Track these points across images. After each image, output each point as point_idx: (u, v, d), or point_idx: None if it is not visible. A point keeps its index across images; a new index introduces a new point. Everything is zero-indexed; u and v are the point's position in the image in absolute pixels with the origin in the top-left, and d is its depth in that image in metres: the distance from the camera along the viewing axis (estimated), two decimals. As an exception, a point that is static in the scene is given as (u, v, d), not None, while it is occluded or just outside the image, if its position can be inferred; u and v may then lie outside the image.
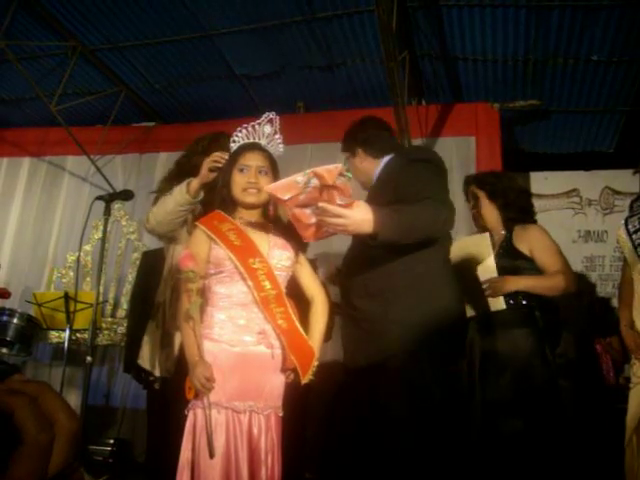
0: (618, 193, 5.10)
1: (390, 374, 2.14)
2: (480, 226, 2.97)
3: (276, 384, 2.11)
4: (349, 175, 1.87)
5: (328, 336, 2.45)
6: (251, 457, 2.00)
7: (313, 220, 1.93)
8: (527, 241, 2.79)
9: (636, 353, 2.47)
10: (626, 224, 2.49)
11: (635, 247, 2.36)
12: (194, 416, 2.01)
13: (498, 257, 2.75)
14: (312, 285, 2.28)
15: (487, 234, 2.80)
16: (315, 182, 1.83)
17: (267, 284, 2.11)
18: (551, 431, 2.54)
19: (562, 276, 2.70)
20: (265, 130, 2.26)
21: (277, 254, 2.17)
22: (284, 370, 2.12)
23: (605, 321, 4.49)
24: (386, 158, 2.47)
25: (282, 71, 4.79)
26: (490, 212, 2.91)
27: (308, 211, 1.92)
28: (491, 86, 4.73)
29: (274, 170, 2.24)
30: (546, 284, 2.72)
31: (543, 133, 5.28)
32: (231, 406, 2.01)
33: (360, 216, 1.91)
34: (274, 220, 2.26)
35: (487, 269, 2.73)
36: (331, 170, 1.81)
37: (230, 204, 2.22)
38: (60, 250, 5.39)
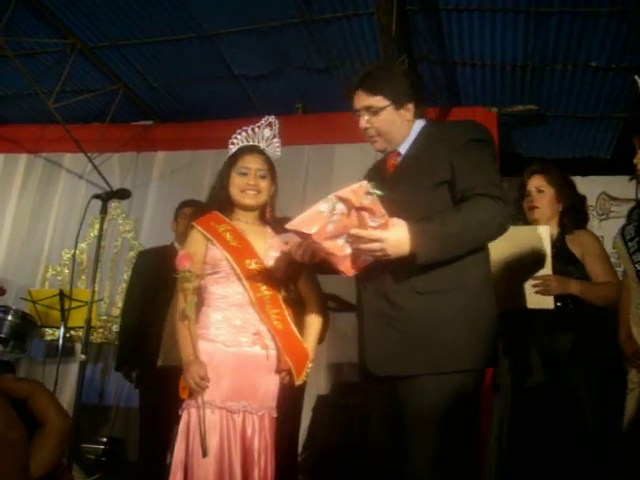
0: (614, 199, 5.09)
1: (447, 396, 1.77)
2: (531, 220, 2.82)
3: (270, 385, 2.12)
4: (377, 192, 1.63)
5: (321, 338, 2.45)
6: (244, 457, 2.01)
7: (348, 251, 1.73)
8: (580, 246, 2.72)
9: (632, 362, 2.46)
10: (622, 232, 2.48)
11: (630, 255, 2.35)
12: (188, 416, 2.01)
13: (552, 256, 2.60)
14: (307, 287, 2.29)
15: (548, 227, 2.63)
16: (341, 207, 1.62)
17: (263, 285, 2.12)
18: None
19: (613, 286, 2.62)
20: (265, 133, 2.27)
21: (273, 256, 2.18)
22: (279, 371, 2.12)
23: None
24: (421, 123, 2.05)
25: (281, 72, 4.78)
26: (552, 210, 2.80)
27: (341, 242, 1.71)
28: (489, 91, 4.73)
29: (272, 174, 2.25)
30: (599, 293, 2.63)
31: (541, 138, 5.28)
32: (225, 406, 2.01)
33: (396, 236, 1.70)
34: (271, 222, 2.27)
35: (542, 265, 2.55)
36: (356, 190, 1.60)
37: (227, 206, 2.22)
38: (55, 247, 5.36)
